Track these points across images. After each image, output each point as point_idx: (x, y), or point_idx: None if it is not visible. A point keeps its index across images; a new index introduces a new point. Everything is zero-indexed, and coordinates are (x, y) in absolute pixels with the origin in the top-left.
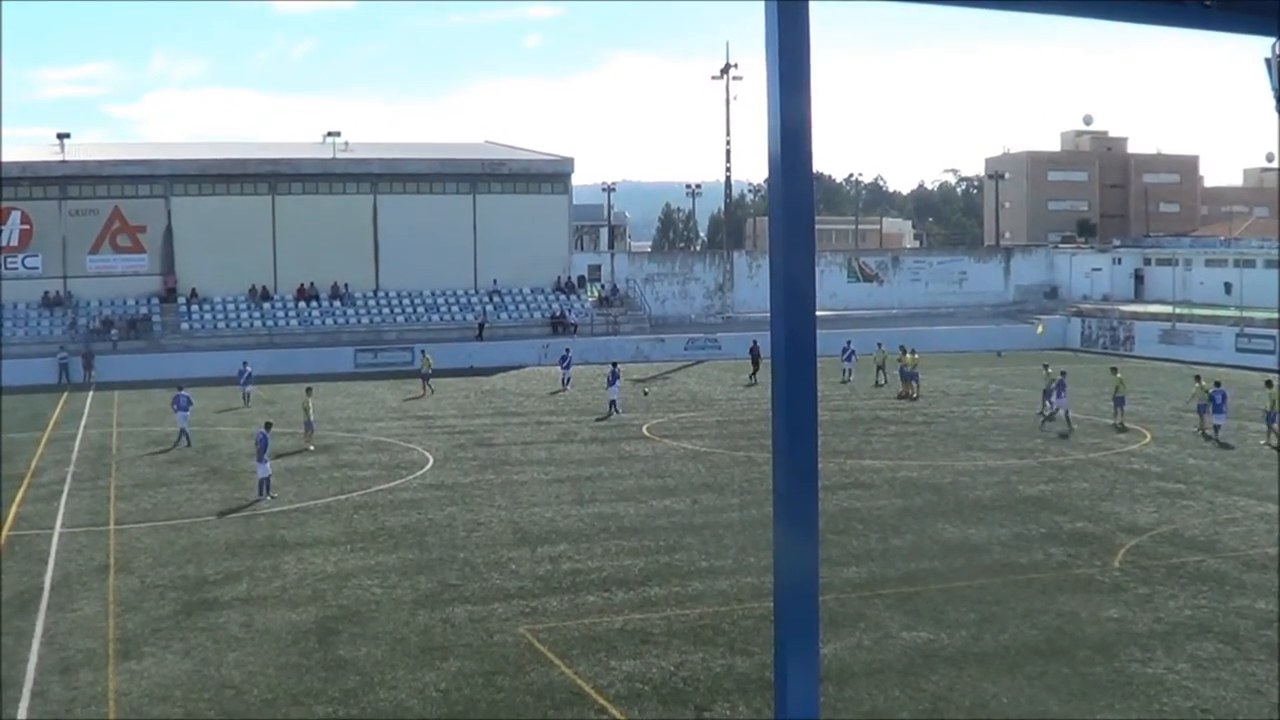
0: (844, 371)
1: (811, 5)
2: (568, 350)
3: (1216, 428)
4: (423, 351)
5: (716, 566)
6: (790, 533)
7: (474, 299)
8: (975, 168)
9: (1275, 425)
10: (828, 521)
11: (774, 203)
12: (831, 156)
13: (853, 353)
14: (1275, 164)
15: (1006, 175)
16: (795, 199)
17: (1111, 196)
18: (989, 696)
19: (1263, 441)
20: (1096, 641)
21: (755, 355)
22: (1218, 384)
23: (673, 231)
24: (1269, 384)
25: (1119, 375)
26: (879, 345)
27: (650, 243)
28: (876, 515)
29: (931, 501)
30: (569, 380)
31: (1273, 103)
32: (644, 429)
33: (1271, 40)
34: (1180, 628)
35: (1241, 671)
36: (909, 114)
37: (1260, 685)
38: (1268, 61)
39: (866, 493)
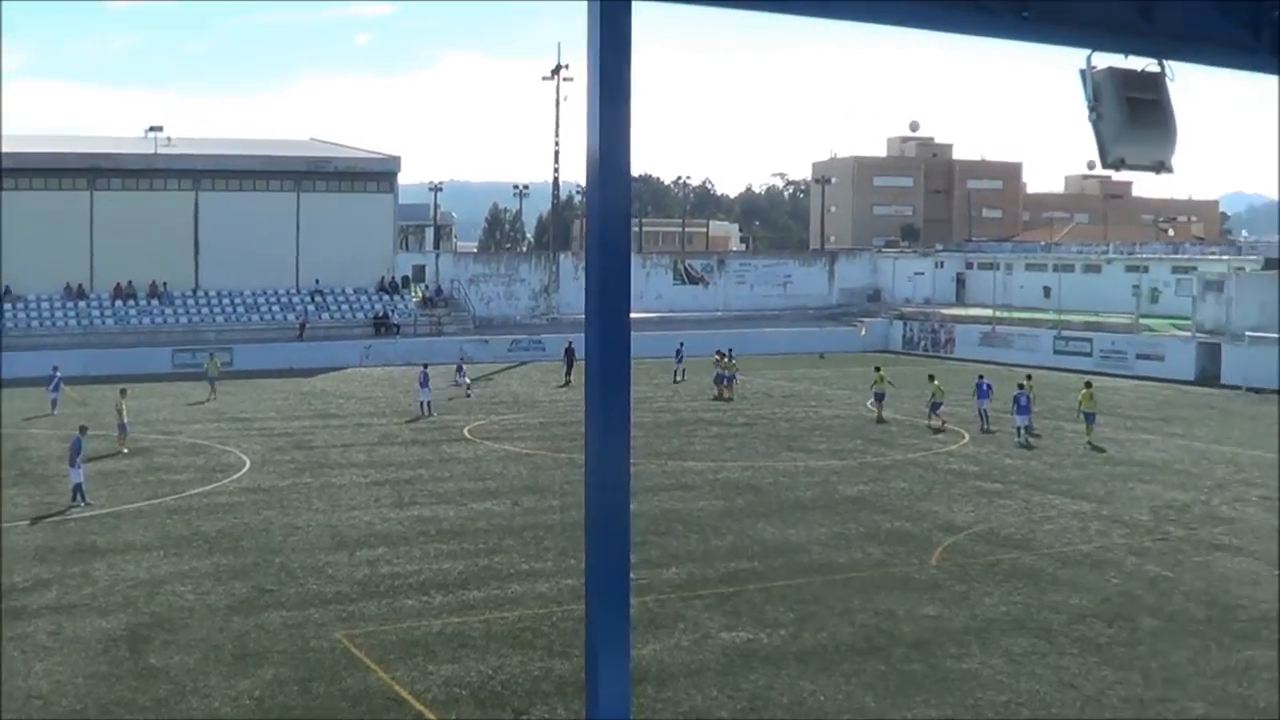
0: (676, 373)
1: (636, 6)
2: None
3: (1020, 428)
4: (210, 355)
5: (536, 569)
6: (601, 534)
7: (296, 299)
8: (802, 172)
9: (1092, 425)
10: (649, 523)
11: (592, 203)
12: (660, 159)
13: (684, 355)
14: (1095, 171)
15: (833, 180)
16: (612, 199)
17: (936, 202)
18: (806, 694)
19: (1088, 441)
20: (913, 639)
21: (570, 357)
22: (1021, 385)
23: (499, 232)
24: (1088, 384)
25: (936, 383)
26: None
27: (477, 243)
28: (697, 516)
29: (752, 502)
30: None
31: (1084, 112)
32: (465, 431)
33: (1087, 52)
34: (995, 624)
35: (1055, 665)
36: (738, 118)
37: (1073, 679)
38: (1082, 73)
39: (687, 494)
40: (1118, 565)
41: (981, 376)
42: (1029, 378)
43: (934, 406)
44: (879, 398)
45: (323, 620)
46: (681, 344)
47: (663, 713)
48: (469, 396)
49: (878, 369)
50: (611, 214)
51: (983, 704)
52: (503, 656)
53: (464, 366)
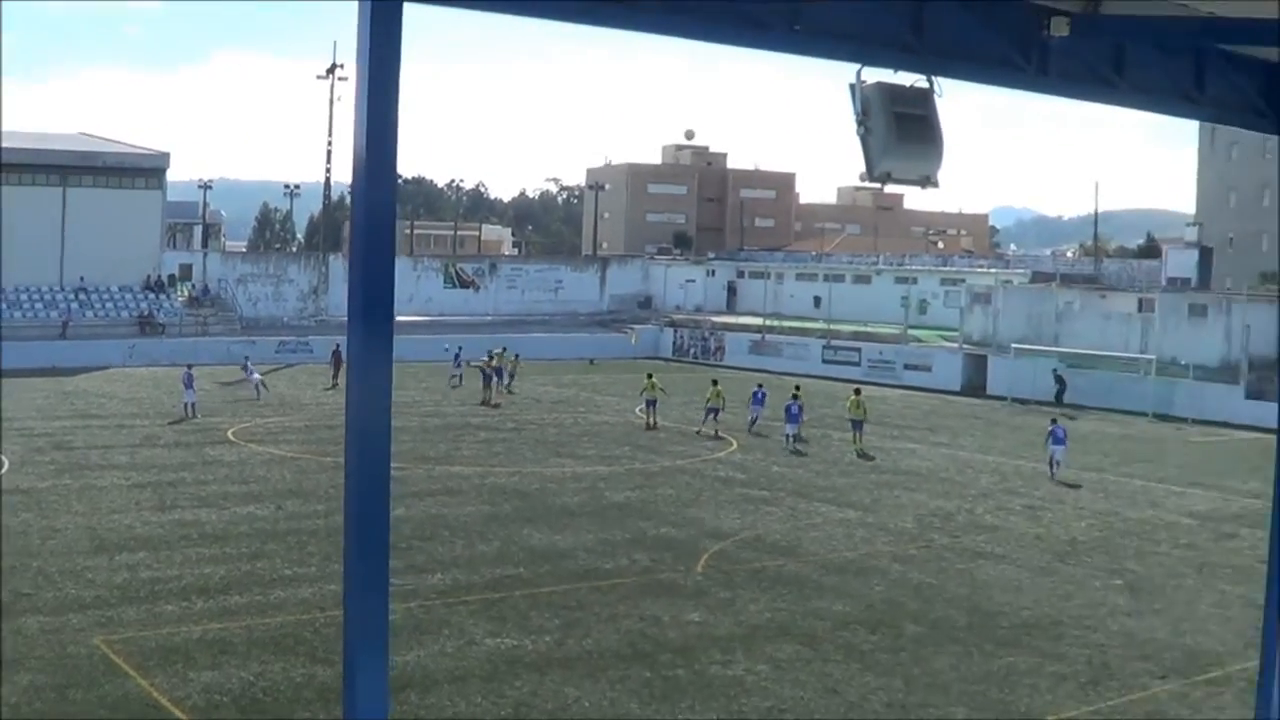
0: (453, 377)
1: (408, 7)
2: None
3: (789, 436)
4: None
5: (299, 574)
6: (360, 538)
7: (59, 296)
8: (577, 178)
9: (860, 432)
10: (414, 528)
11: (357, 203)
12: (434, 161)
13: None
14: (867, 184)
15: (607, 186)
16: (378, 200)
17: (709, 210)
18: (571, 701)
19: (856, 449)
20: (679, 645)
21: (337, 359)
22: (794, 395)
23: (269, 232)
24: (857, 391)
25: (718, 387)
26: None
27: (246, 243)
28: (463, 522)
29: (519, 508)
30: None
31: (853, 126)
32: (229, 433)
33: (856, 66)
34: (760, 630)
35: (819, 672)
36: (513, 122)
37: (836, 685)
38: (852, 87)
39: (454, 499)
40: (882, 572)
41: (760, 385)
42: (798, 387)
43: (713, 411)
44: (650, 404)
45: (81, 625)
46: (460, 348)
47: (426, 719)
48: (259, 396)
49: (650, 376)
50: (377, 215)
51: (747, 710)
52: (264, 663)
53: (250, 365)
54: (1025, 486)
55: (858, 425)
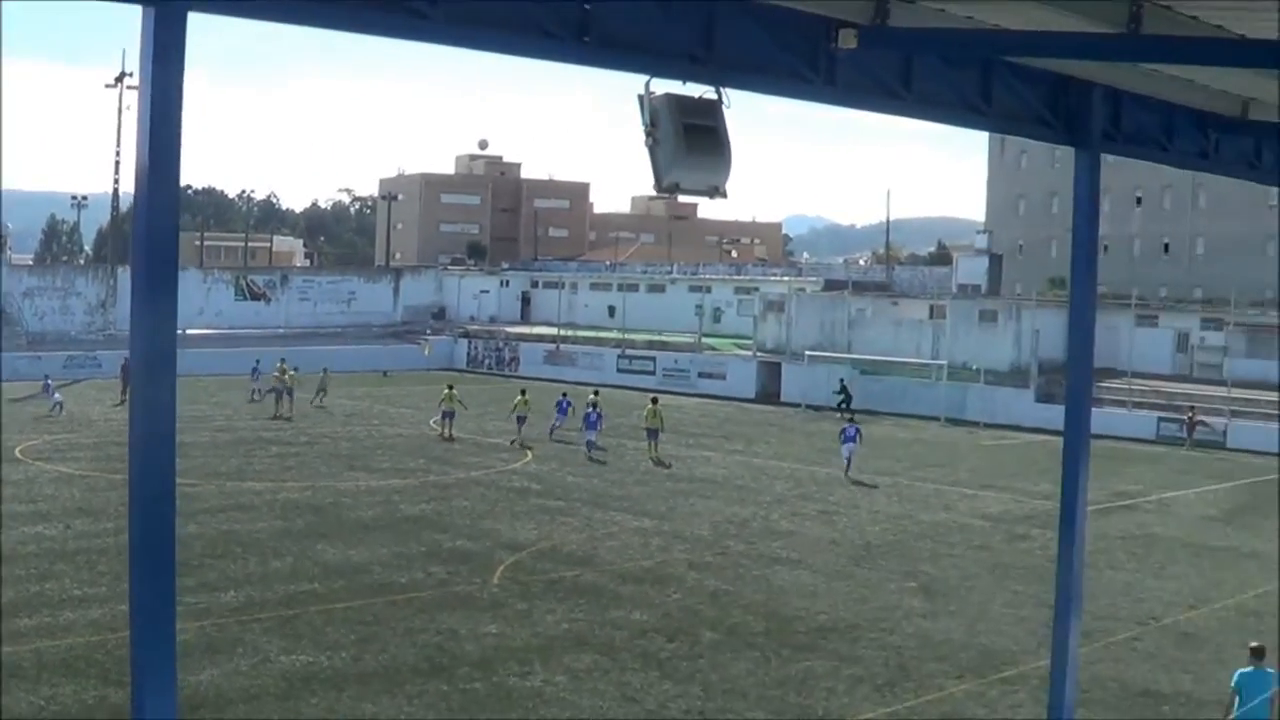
0: (253, 391)
1: (193, 16)
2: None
3: (590, 443)
4: None
5: (89, 595)
6: (145, 556)
7: None
8: (370, 188)
9: (655, 441)
10: (206, 545)
11: (139, 215)
12: (225, 171)
13: (260, 372)
14: (659, 193)
15: (400, 197)
16: (160, 211)
17: (503, 220)
18: (369, 717)
19: (651, 457)
20: (476, 658)
21: (126, 374)
22: (593, 403)
23: (57, 244)
24: (654, 400)
25: (525, 397)
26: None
27: (33, 255)
28: (256, 538)
29: (312, 523)
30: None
31: (642, 137)
32: (16, 451)
33: (645, 78)
34: (558, 640)
35: (617, 681)
36: (305, 132)
37: (635, 693)
38: (640, 98)
39: (246, 515)
40: (679, 580)
41: (564, 394)
42: (596, 393)
43: (521, 420)
44: (448, 416)
45: None
46: (258, 360)
47: None
48: (56, 414)
49: (450, 387)
50: (159, 227)
51: None
52: (55, 686)
53: (51, 384)
54: (820, 492)
55: (653, 434)
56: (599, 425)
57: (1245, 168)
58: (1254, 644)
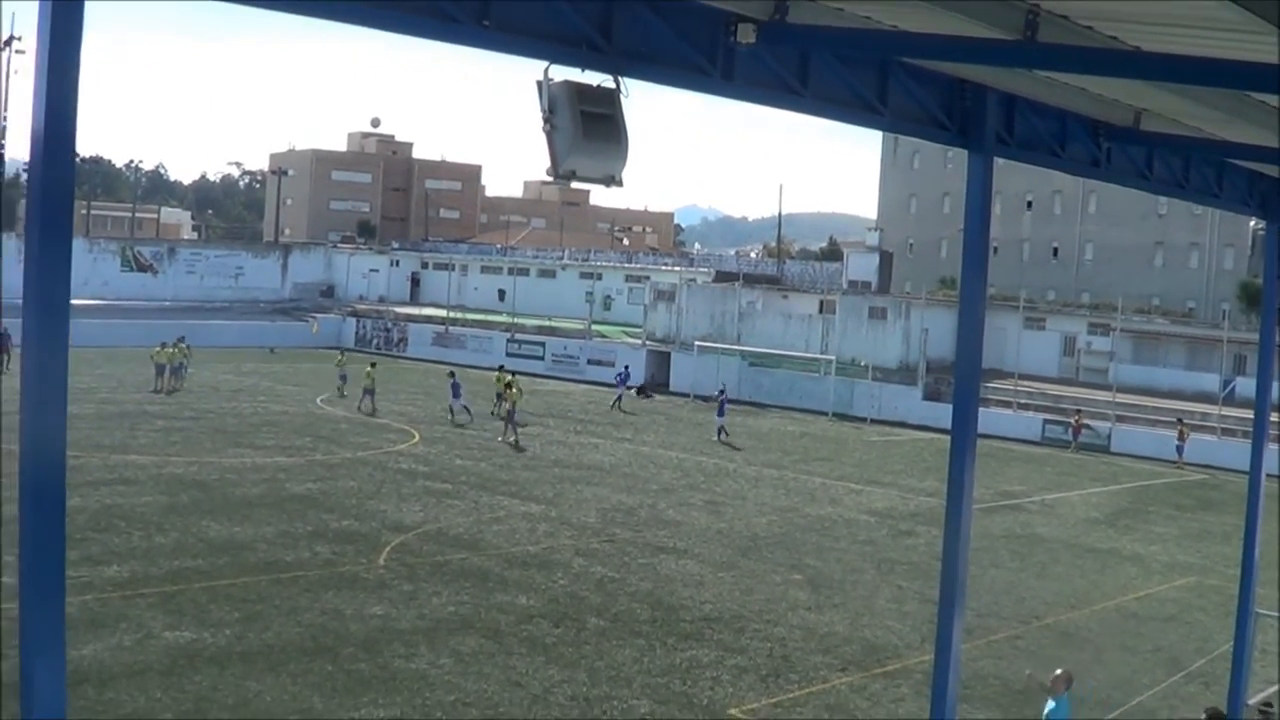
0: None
1: None
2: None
3: (454, 409)
4: None
5: None
6: (34, 530)
7: None
8: (260, 163)
9: (513, 423)
10: (89, 519)
11: (34, 183)
12: (113, 141)
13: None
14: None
15: (291, 172)
16: (56, 179)
17: (394, 200)
18: (252, 695)
19: (500, 439)
20: (361, 638)
21: (5, 343)
22: (509, 384)
23: None
24: (508, 383)
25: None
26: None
27: None
28: (140, 512)
29: (198, 498)
30: None
31: (539, 123)
32: None
33: (544, 64)
34: (443, 624)
35: (503, 665)
36: (196, 103)
37: (520, 678)
38: (539, 84)
39: (131, 489)
40: (565, 566)
41: (453, 374)
42: (452, 373)
43: (369, 393)
44: (368, 393)
45: None
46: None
47: (104, 715)
48: None
49: (372, 365)
50: (55, 195)
51: (431, 704)
52: None
53: None
54: (707, 482)
55: (513, 415)
56: (461, 390)
57: (1136, 177)
58: (1059, 671)
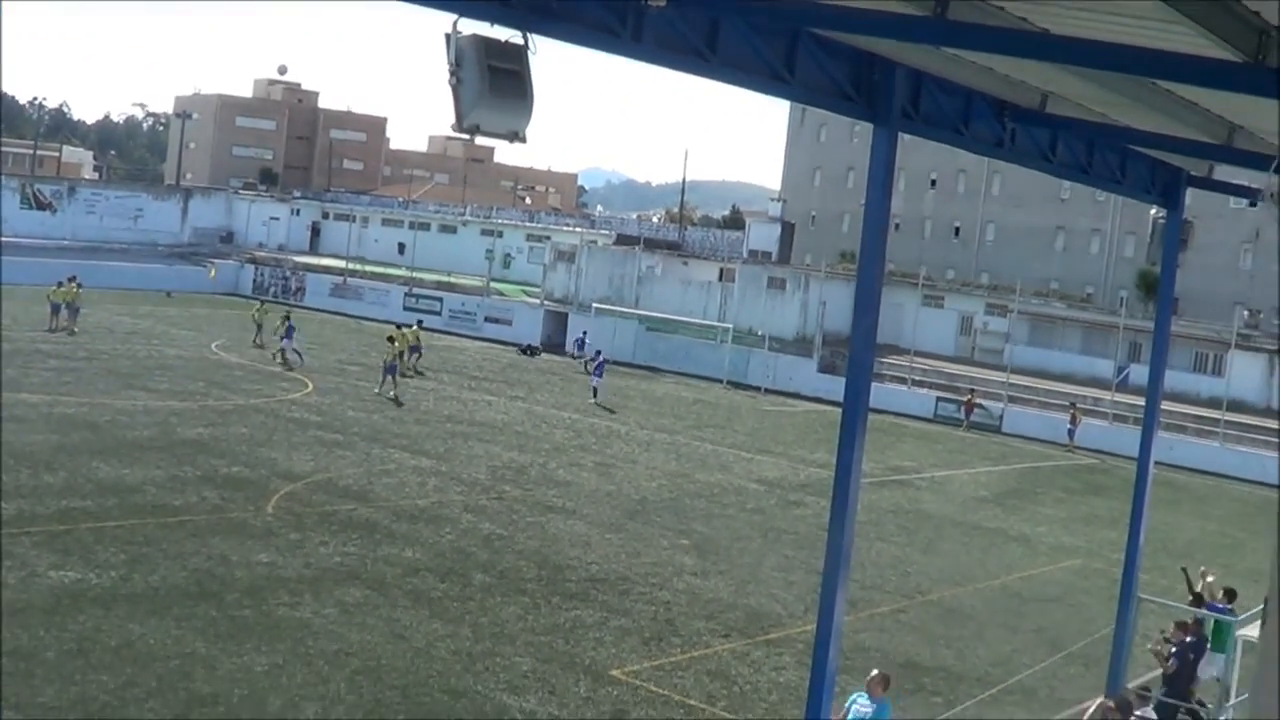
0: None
1: None
2: None
3: (284, 350)
4: None
5: None
6: None
7: None
8: (164, 105)
9: (394, 377)
10: None
11: None
12: (16, 77)
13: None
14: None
15: (195, 116)
16: None
17: (297, 148)
18: (136, 637)
19: (376, 391)
20: (246, 585)
21: None
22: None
23: None
24: (390, 339)
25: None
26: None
27: None
28: (29, 451)
29: (88, 439)
30: None
31: (446, 76)
32: None
33: (453, 17)
34: (329, 573)
35: (387, 617)
36: (102, 42)
37: (404, 630)
38: (447, 36)
39: (20, 427)
40: (453, 521)
41: (288, 316)
42: (420, 323)
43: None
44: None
45: None
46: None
47: None
48: None
49: (288, 315)
50: None
51: (314, 653)
52: None
53: None
54: (599, 444)
55: (393, 369)
56: (294, 333)
57: (1040, 159)
58: (875, 673)
